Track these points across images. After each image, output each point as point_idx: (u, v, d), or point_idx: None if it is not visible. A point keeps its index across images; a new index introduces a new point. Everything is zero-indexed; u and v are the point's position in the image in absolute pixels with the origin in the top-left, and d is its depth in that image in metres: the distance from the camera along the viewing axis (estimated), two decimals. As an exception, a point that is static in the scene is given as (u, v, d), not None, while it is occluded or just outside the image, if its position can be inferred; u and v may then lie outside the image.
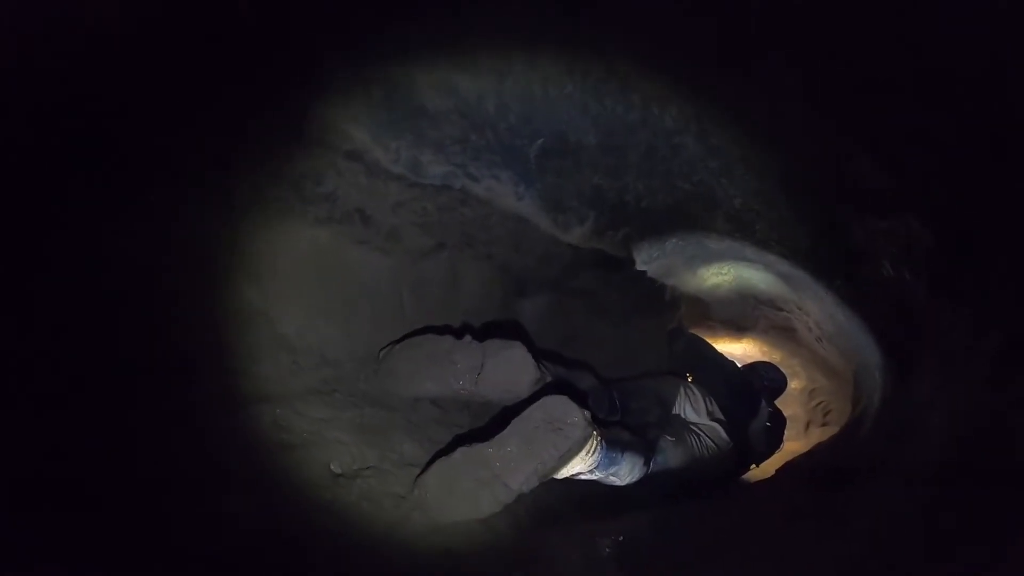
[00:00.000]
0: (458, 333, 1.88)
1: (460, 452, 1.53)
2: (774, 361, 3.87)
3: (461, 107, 1.80)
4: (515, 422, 1.55)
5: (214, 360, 1.57)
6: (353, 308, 1.91)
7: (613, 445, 1.75)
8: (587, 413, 1.56)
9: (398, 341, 1.87)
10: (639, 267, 2.75)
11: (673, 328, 3.35)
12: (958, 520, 1.20)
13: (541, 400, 1.56)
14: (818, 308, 2.82)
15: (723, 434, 2.41)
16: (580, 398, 1.61)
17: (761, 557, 1.62)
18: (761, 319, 3.62)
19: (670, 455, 2.13)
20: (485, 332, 1.91)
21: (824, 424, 4.15)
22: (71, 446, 1.22)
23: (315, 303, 1.81)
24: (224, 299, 1.65)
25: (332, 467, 1.53)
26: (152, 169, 1.43)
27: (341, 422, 1.65)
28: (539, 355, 1.89)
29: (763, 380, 3.00)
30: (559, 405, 1.55)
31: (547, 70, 1.75)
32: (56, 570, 1.02)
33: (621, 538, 1.79)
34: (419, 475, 1.58)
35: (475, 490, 1.49)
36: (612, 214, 2.30)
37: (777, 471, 2.86)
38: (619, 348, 2.94)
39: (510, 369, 1.81)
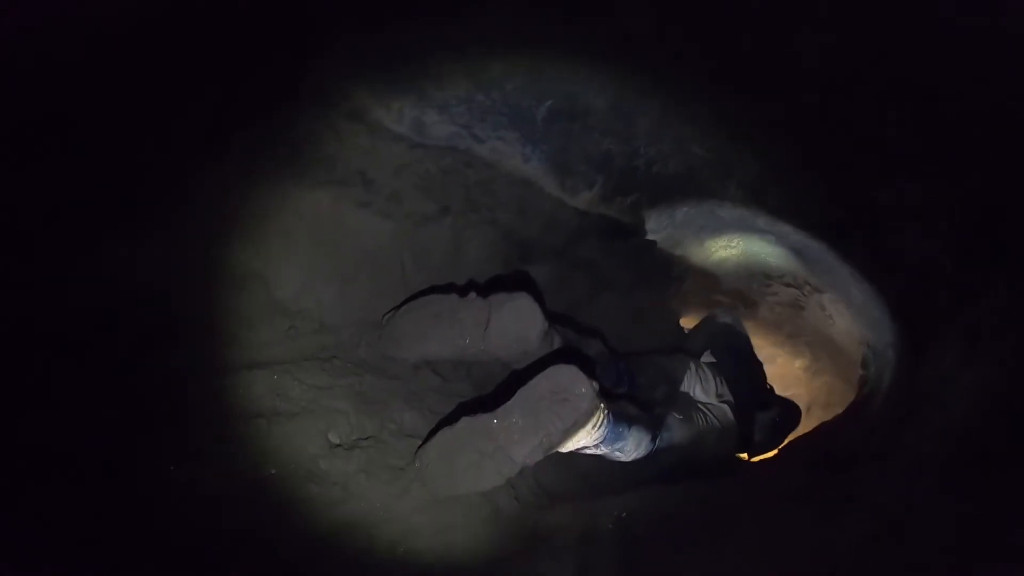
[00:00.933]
0: (462, 291, 1.82)
1: (463, 422, 1.47)
2: (779, 338, 3.85)
3: (467, 66, 1.71)
4: (520, 392, 1.49)
5: (208, 324, 1.52)
6: (353, 273, 1.85)
7: (620, 419, 1.71)
8: (595, 384, 1.50)
9: (402, 304, 1.81)
10: (647, 236, 2.68)
11: (717, 311, 3.29)
12: (975, 505, 1.17)
13: (548, 370, 1.50)
14: (831, 283, 2.74)
15: (730, 415, 2.38)
16: (588, 367, 1.55)
17: (758, 538, 1.60)
18: (769, 295, 3.55)
19: (676, 433, 2.09)
20: (490, 289, 1.85)
21: (826, 405, 4.12)
22: (59, 412, 1.19)
23: (314, 267, 1.74)
24: (219, 261, 1.58)
25: (330, 437, 1.49)
26: (144, 128, 1.36)
27: (340, 390, 1.61)
28: (546, 310, 1.83)
29: (778, 415, 2.95)
30: (566, 375, 1.48)
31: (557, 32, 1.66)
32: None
33: (624, 514, 1.77)
34: (420, 446, 1.54)
35: (478, 462, 1.44)
36: (621, 179, 2.22)
37: (778, 452, 2.84)
38: (623, 320, 2.88)
39: (517, 320, 1.74)
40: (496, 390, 1.89)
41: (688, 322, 3.63)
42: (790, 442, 2.96)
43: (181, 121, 1.42)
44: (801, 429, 3.30)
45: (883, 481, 1.59)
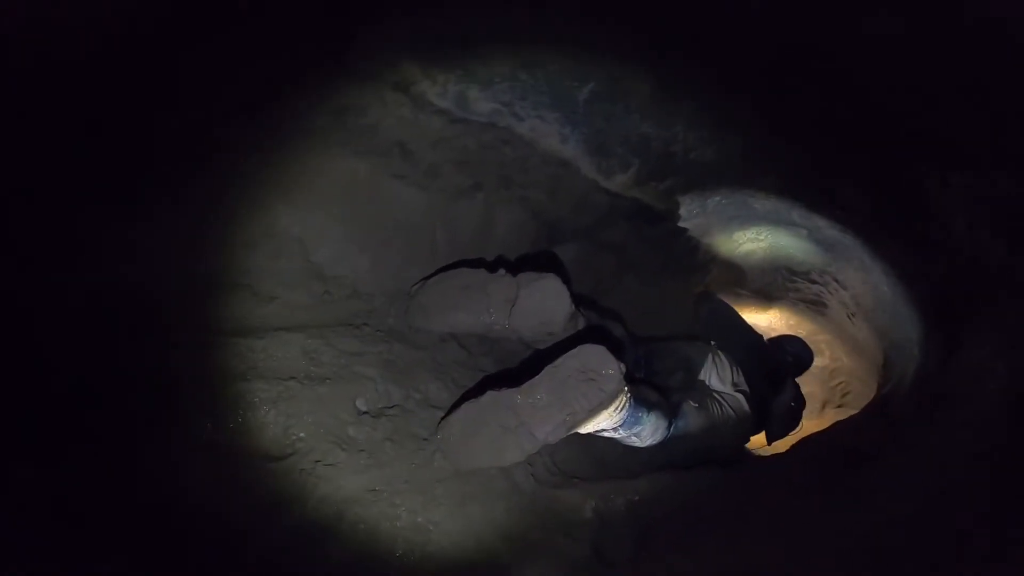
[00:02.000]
0: (492, 267, 1.83)
1: (488, 396, 1.49)
2: (800, 334, 3.81)
3: (513, 44, 1.70)
4: (548, 369, 1.49)
5: (248, 284, 1.55)
6: (386, 242, 1.87)
7: (639, 404, 1.72)
8: (622, 366, 1.51)
9: (431, 276, 1.83)
10: (676, 223, 2.66)
11: (701, 292, 3.28)
12: (995, 505, 1.17)
13: (578, 348, 1.50)
14: (860, 280, 2.71)
15: (745, 406, 2.38)
16: (616, 349, 1.56)
17: (769, 527, 1.62)
18: (792, 291, 3.52)
19: (691, 420, 2.10)
20: (519, 268, 1.86)
21: (840, 405, 4.11)
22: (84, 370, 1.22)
23: (349, 234, 1.77)
24: (261, 224, 1.61)
25: (357, 404, 1.52)
26: (194, 85, 1.37)
27: (370, 357, 1.64)
28: (573, 292, 1.84)
29: (788, 355, 2.94)
30: (596, 355, 1.48)
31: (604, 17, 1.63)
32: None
33: (637, 498, 1.79)
34: (444, 417, 1.56)
35: (500, 436, 1.45)
36: (657, 164, 2.20)
37: (792, 447, 2.85)
38: (645, 306, 2.88)
39: (544, 301, 1.75)
40: (520, 367, 1.90)
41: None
42: (805, 437, 2.97)
43: (228, 84, 1.43)
44: (817, 427, 3.30)
45: (904, 477, 1.60)
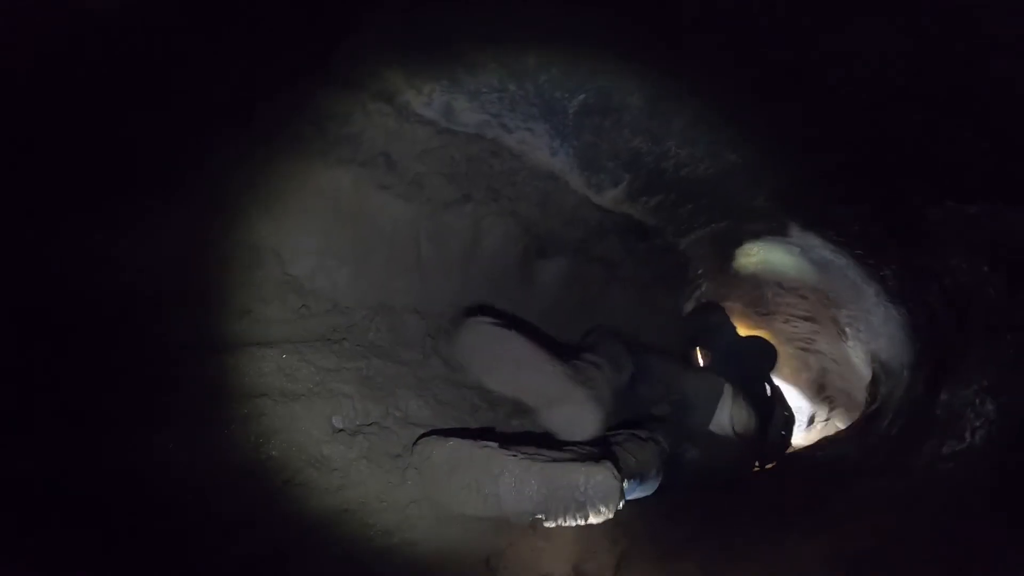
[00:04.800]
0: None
1: (481, 448, 1.43)
2: (788, 352, 3.81)
3: (502, 54, 1.66)
4: (550, 467, 1.42)
5: (221, 297, 1.50)
6: (368, 254, 1.82)
7: (632, 486, 1.68)
8: (621, 504, 1.44)
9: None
10: (667, 239, 2.63)
11: (708, 302, 3.26)
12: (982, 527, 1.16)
13: (591, 476, 1.41)
14: (853, 300, 2.70)
15: (747, 452, 2.33)
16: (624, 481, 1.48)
17: (748, 545, 1.60)
18: (782, 306, 3.50)
19: (685, 470, 2.05)
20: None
21: (827, 420, 4.10)
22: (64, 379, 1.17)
23: (330, 246, 1.72)
24: (236, 234, 1.56)
25: (333, 421, 1.47)
26: (170, 91, 1.33)
27: (347, 373, 1.59)
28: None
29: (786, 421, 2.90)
30: (604, 491, 1.41)
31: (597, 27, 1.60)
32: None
33: (619, 520, 1.76)
34: (428, 436, 1.51)
35: (470, 489, 1.41)
36: (648, 179, 2.17)
37: (777, 464, 2.83)
38: (634, 321, 2.85)
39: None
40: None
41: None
42: (791, 453, 2.95)
43: (204, 91, 1.38)
44: (803, 442, 3.28)
45: (888, 495, 1.58)
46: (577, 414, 1.85)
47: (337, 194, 1.70)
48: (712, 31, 1.52)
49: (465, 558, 1.46)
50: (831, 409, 4.10)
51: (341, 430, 1.48)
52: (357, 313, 1.76)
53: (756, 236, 2.65)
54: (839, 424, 3.90)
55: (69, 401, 1.15)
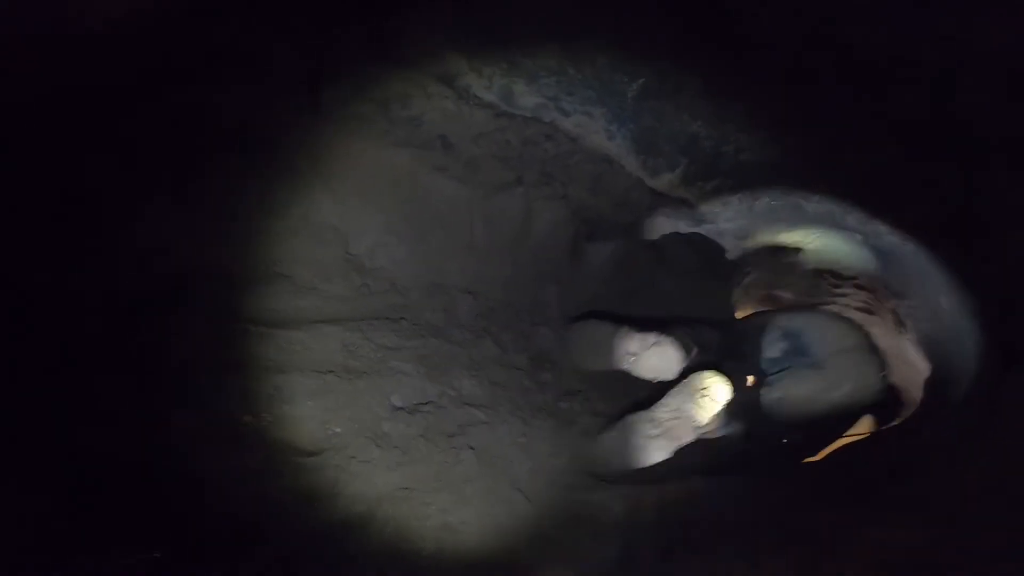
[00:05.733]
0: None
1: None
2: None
3: (561, 38, 1.64)
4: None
5: (288, 275, 1.55)
6: (424, 234, 1.85)
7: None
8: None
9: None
10: (721, 224, 2.58)
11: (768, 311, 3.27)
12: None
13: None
14: (918, 289, 2.59)
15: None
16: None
17: (787, 540, 1.58)
18: (837, 296, 3.39)
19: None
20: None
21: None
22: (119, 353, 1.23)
23: (388, 226, 1.76)
24: (299, 209, 1.60)
25: (392, 399, 1.52)
26: (235, 64, 1.37)
27: (406, 352, 1.64)
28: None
29: None
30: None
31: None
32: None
33: (665, 503, 1.77)
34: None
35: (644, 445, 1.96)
36: (706, 164, 2.12)
37: (828, 454, 2.77)
38: (679, 306, 2.82)
39: (660, 362, 2.36)
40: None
41: (743, 314, 3.54)
42: (843, 445, 2.88)
43: (269, 63, 1.42)
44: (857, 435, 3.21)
45: (957, 491, 1.53)
46: (662, 353, 2.31)
47: (395, 175, 1.74)
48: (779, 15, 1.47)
49: (513, 538, 1.49)
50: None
51: (401, 408, 1.52)
52: (414, 292, 1.80)
53: (814, 222, 2.56)
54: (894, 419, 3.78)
55: (145, 374, 1.21)
